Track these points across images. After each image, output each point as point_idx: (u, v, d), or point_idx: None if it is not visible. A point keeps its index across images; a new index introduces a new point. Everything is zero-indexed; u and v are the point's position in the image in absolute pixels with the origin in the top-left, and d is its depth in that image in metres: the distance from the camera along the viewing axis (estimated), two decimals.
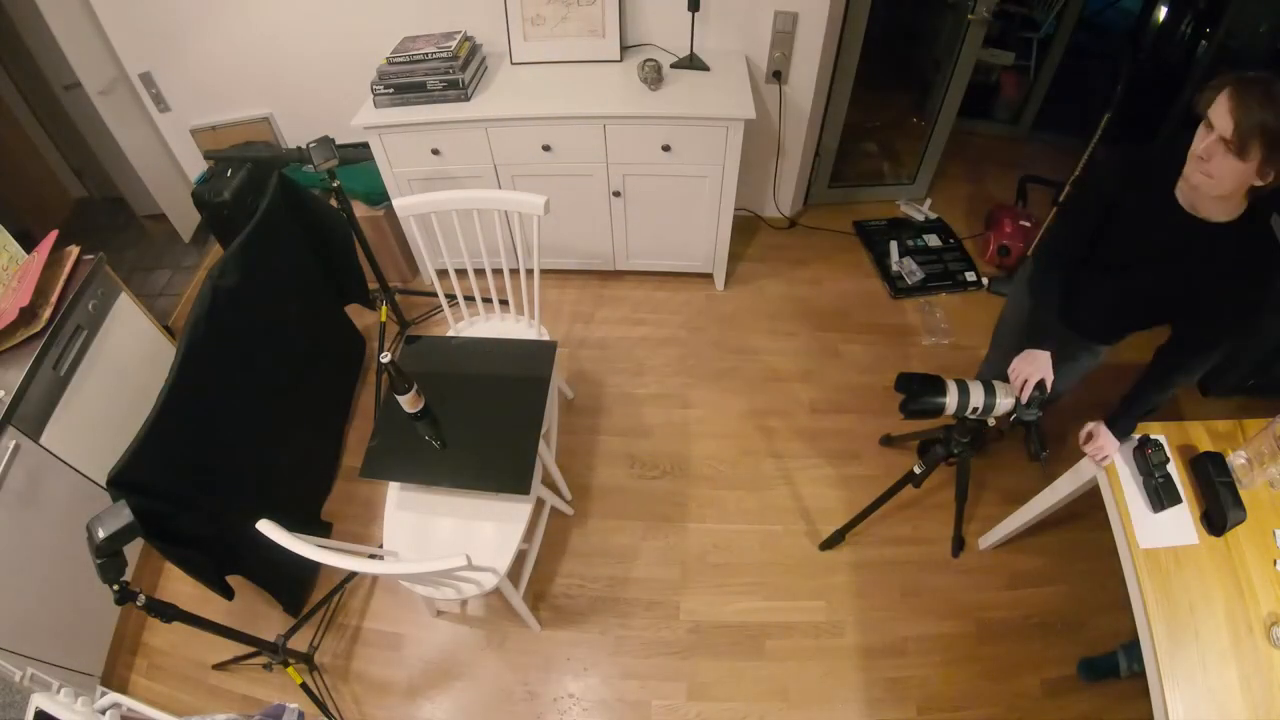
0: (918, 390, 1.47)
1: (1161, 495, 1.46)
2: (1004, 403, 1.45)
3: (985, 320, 2.78)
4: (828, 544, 2.12)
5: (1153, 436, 1.53)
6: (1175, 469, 1.52)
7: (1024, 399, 1.43)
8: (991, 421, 1.53)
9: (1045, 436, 1.47)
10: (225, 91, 2.78)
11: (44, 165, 3.30)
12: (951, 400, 1.46)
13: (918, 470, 1.80)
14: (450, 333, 2.08)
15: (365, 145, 2.41)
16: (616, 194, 2.51)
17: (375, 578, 2.10)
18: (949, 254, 3.02)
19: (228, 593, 1.75)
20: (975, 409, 1.47)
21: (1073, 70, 3.41)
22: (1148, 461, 1.48)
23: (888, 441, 2.37)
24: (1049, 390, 1.44)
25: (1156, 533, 1.45)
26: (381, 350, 2.35)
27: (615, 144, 2.35)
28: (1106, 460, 1.52)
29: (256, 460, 1.92)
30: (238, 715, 1.41)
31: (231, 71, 2.71)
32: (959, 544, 2.08)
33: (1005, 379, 1.49)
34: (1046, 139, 3.64)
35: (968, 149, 3.57)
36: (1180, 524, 1.46)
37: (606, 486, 2.29)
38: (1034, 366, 1.45)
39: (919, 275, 2.91)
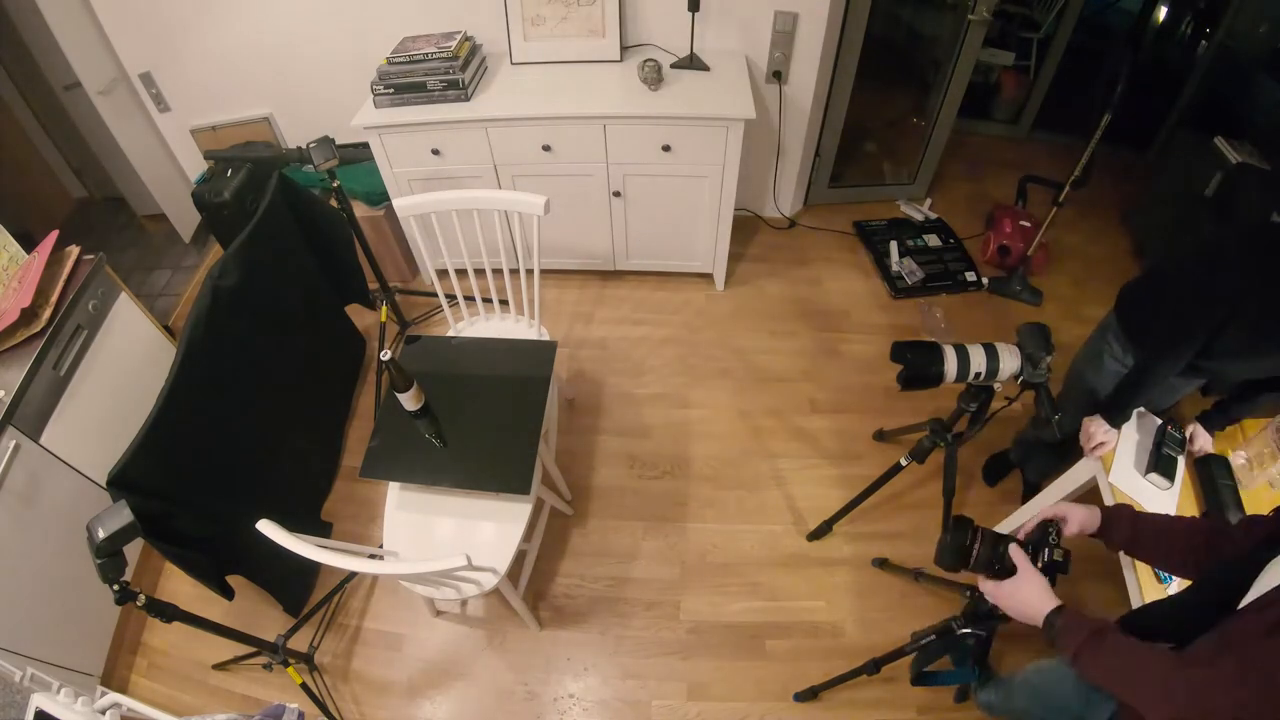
0: (914, 360, 1.39)
1: (1157, 464, 1.48)
2: (1008, 365, 1.36)
3: (985, 320, 2.79)
4: (815, 534, 2.13)
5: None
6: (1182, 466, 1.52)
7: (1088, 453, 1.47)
8: (998, 387, 1.43)
9: (1056, 399, 1.41)
10: (225, 91, 2.78)
11: (44, 165, 3.30)
12: (951, 367, 1.37)
13: (903, 462, 1.80)
14: (450, 333, 2.08)
15: (365, 145, 2.41)
16: (616, 194, 2.51)
17: (375, 578, 2.10)
18: (949, 254, 3.02)
19: (228, 593, 1.75)
20: (978, 374, 1.37)
21: (1073, 70, 3.42)
22: (1163, 435, 1.52)
23: (881, 437, 2.36)
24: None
25: (1134, 484, 1.48)
26: (382, 349, 2.35)
27: (615, 144, 2.35)
28: (1103, 450, 1.52)
29: (256, 460, 1.92)
30: (238, 715, 1.41)
31: (231, 71, 2.71)
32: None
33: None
34: (1046, 139, 3.65)
35: (968, 149, 3.57)
36: (1163, 498, 1.48)
37: (606, 486, 2.29)
38: (1111, 433, 1.48)
39: (919, 275, 2.91)
